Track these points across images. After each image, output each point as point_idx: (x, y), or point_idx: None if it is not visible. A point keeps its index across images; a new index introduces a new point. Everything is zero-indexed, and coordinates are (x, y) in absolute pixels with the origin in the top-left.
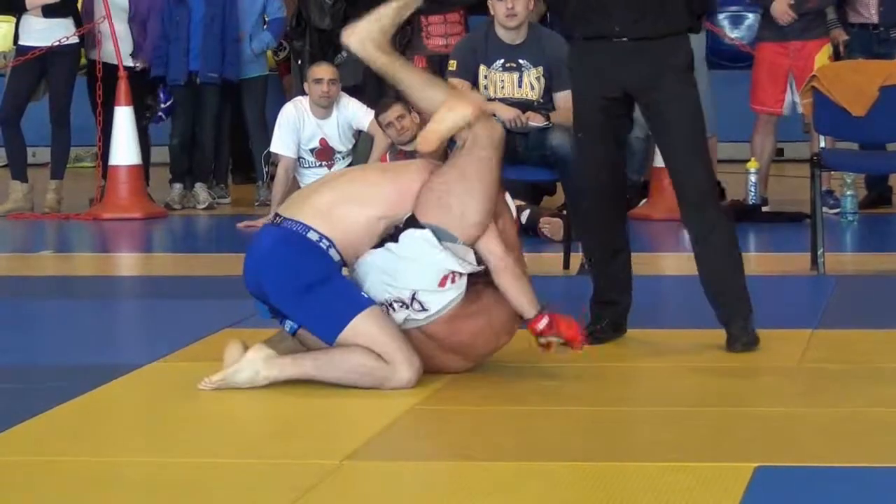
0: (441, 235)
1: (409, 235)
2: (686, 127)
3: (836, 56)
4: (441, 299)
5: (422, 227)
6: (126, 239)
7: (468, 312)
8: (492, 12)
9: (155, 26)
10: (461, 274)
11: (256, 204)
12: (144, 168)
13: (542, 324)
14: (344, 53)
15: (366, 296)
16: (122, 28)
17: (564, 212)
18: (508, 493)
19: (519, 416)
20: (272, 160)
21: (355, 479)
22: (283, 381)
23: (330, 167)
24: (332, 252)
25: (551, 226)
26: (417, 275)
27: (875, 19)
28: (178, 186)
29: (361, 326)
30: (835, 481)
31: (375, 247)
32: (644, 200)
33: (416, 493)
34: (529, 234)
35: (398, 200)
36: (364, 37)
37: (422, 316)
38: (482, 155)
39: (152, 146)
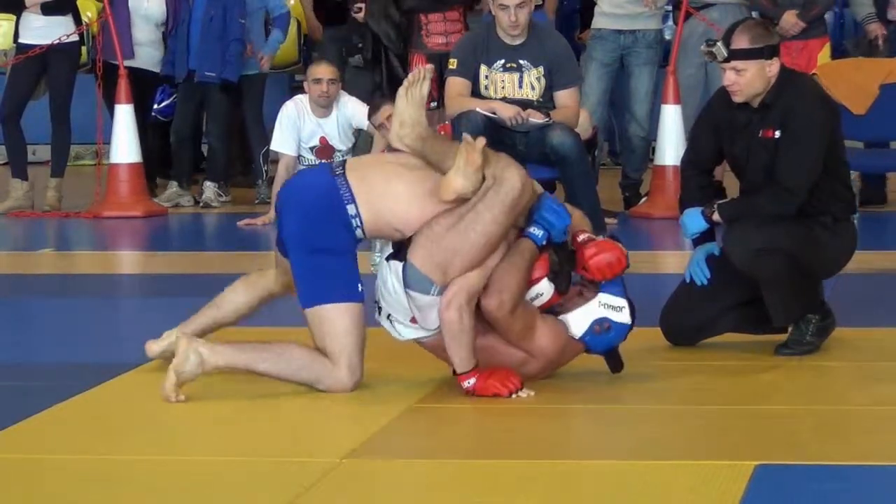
0: (413, 280)
1: (391, 266)
2: None
3: (873, 49)
4: (411, 333)
5: (403, 259)
6: (126, 237)
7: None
8: (492, 11)
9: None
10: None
11: (256, 202)
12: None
13: (467, 384)
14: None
15: (360, 291)
16: (151, 35)
17: None
18: (508, 492)
19: (518, 415)
20: (271, 158)
21: (355, 478)
22: (228, 370)
23: None
24: (358, 232)
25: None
26: (394, 303)
27: None
28: (173, 185)
29: (332, 313)
30: (835, 479)
31: (389, 255)
32: (644, 198)
33: (416, 492)
34: None
35: (415, 222)
36: (415, 132)
37: (395, 335)
38: (479, 210)
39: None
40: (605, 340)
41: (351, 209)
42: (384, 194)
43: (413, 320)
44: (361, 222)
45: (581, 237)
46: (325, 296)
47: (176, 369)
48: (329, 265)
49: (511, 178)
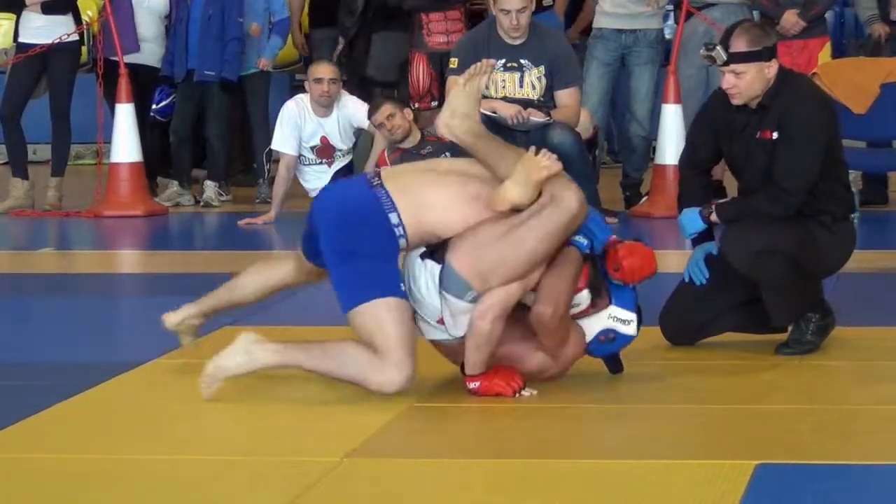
0: (451, 283)
1: (427, 265)
2: None
3: (877, 49)
4: (435, 334)
5: (441, 261)
6: (127, 236)
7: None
8: (492, 13)
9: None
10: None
11: (257, 201)
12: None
13: (472, 385)
14: None
15: (403, 289)
16: (154, 30)
17: None
18: (508, 492)
19: (519, 415)
20: (273, 157)
21: (355, 477)
22: (276, 367)
23: (330, 164)
24: (402, 241)
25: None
26: (424, 303)
27: None
28: (174, 184)
29: (375, 310)
30: (835, 479)
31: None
32: (644, 198)
33: (416, 491)
34: None
35: (457, 227)
36: (467, 125)
37: (417, 334)
38: (533, 225)
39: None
40: (607, 348)
41: (394, 218)
42: (426, 203)
43: (440, 321)
44: (405, 231)
45: (610, 238)
46: (365, 294)
47: (217, 363)
48: (368, 267)
49: (569, 199)
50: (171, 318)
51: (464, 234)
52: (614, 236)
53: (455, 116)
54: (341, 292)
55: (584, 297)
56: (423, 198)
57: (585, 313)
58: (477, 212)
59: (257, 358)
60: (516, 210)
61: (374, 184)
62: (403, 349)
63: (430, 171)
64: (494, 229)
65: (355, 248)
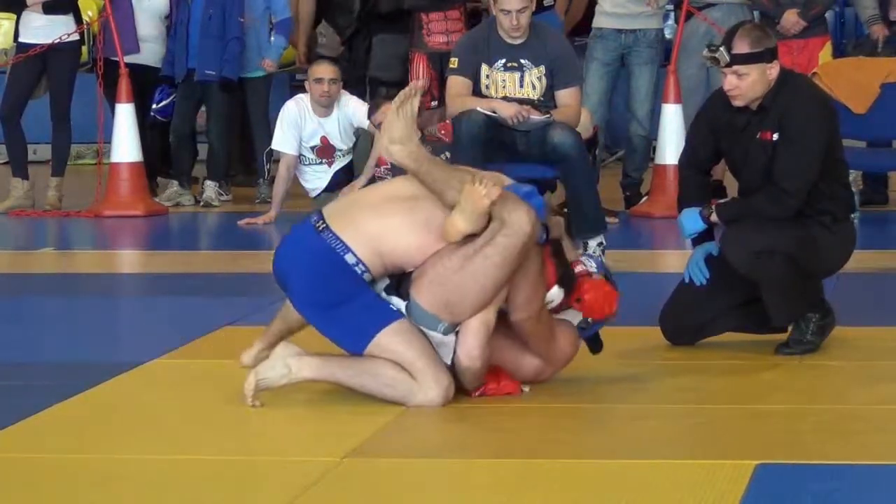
0: (419, 318)
1: (393, 302)
2: None
3: (874, 50)
4: None
5: (405, 297)
6: (127, 236)
7: None
8: (493, 12)
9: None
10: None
11: (257, 201)
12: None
13: (477, 394)
14: None
15: (394, 309)
16: (154, 30)
17: (566, 209)
18: (510, 491)
19: (519, 415)
20: (274, 157)
21: (356, 476)
22: (314, 381)
23: (330, 164)
24: (366, 276)
25: (553, 223)
26: None
27: None
28: (174, 184)
29: (386, 342)
30: (835, 479)
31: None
32: (645, 198)
33: (417, 491)
34: None
35: (415, 256)
36: (407, 150)
37: None
38: (488, 253)
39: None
40: (587, 332)
41: (350, 258)
42: (379, 234)
43: None
44: (366, 266)
45: (577, 269)
46: (367, 333)
47: (258, 374)
48: (353, 307)
49: (519, 221)
50: (246, 357)
51: (424, 268)
52: (580, 266)
53: (394, 143)
54: (342, 343)
55: (555, 293)
56: (372, 229)
57: (563, 307)
58: (432, 239)
59: (297, 370)
60: (471, 234)
61: (321, 228)
62: (429, 364)
63: (374, 202)
64: (452, 262)
65: (327, 298)
